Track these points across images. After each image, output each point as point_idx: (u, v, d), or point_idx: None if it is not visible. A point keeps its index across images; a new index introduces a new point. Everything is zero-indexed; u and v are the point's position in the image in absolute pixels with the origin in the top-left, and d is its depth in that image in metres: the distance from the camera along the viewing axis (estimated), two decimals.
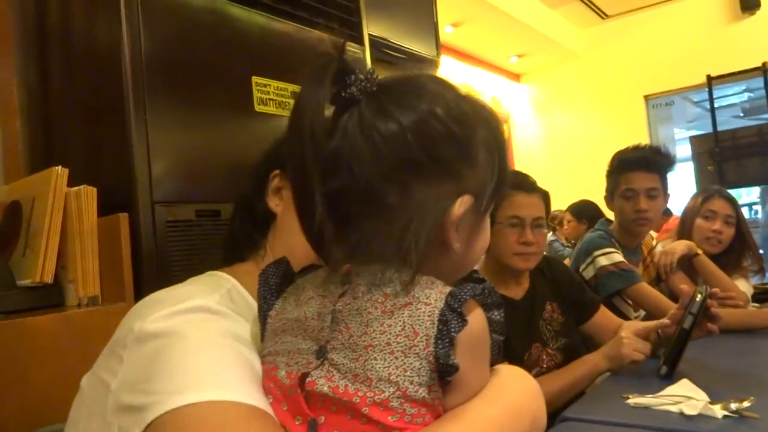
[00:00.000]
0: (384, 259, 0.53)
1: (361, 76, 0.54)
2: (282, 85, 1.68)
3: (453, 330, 0.50)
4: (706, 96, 5.65)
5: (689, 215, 2.15)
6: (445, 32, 4.84)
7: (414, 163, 0.53)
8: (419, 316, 0.50)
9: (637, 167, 1.90)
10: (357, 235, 0.54)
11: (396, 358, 0.50)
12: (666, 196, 1.95)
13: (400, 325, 0.50)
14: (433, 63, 3.30)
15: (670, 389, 1.16)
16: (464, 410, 0.53)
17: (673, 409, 1.07)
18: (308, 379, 0.52)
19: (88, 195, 1.27)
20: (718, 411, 1.03)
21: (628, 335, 1.38)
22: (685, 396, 1.10)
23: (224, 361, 0.56)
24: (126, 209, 1.29)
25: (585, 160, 5.71)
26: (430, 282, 0.53)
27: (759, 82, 5.45)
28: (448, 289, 0.52)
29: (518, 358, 1.43)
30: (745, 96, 7.79)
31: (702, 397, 1.09)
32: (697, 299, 1.28)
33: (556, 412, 1.15)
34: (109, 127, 1.41)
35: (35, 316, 1.13)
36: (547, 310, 1.56)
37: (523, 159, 6.39)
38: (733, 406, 1.03)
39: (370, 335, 0.51)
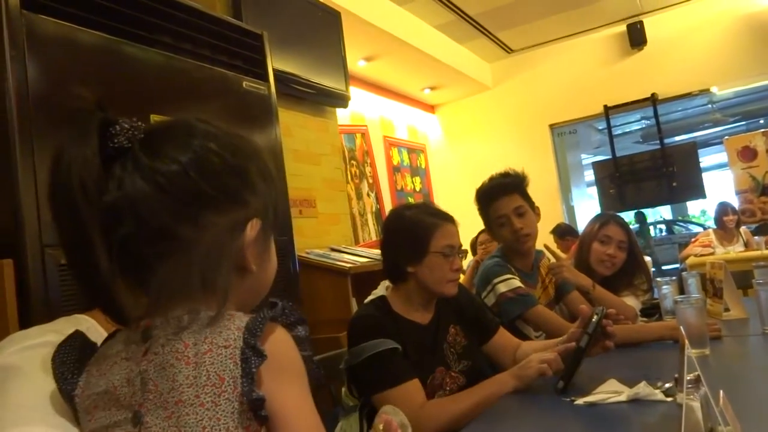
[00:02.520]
0: (190, 298, 0.54)
1: (126, 125, 0.55)
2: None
3: (253, 365, 0.51)
4: (606, 124, 6.05)
5: (587, 239, 2.31)
6: (359, 65, 4.95)
7: (201, 197, 0.55)
8: (222, 361, 0.51)
9: (498, 194, 2.04)
10: (156, 282, 0.53)
11: (207, 409, 0.50)
12: (535, 209, 2.08)
13: (205, 375, 0.51)
14: (343, 96, 3.38)
15: (602, 387, 1.26)
16: None
17: (622, 398, 1.19)
18: None
19: None
20: (658, 393, 1.17)
21: (536, 356, 1.44)
22: (617, 391, 1.22)
23: (46, 392, 0.57)
24: (11, 255, 1.24)
25: None
26: (229, 318, 0.54)
27: (651, 110, 5.90)
28: (245, 322, 0.53)
29: (422, 382, 1.46)
30: (643, 123, 8.41)
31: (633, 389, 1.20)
32: (593, 320, 1.37)
33: None
34: None
35: None
36: (451, 333, 1.62)
37: (438, 186, 6.57)
38: (667, 385, 1.18)
39: (178, 390, 0.51)
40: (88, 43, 1.50)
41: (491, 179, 2.11)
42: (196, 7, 1.86)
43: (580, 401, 1.23)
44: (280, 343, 0.54)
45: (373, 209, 5.26)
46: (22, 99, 1.32)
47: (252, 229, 0.58)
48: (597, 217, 2.40)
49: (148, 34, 1.64)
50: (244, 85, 1.99)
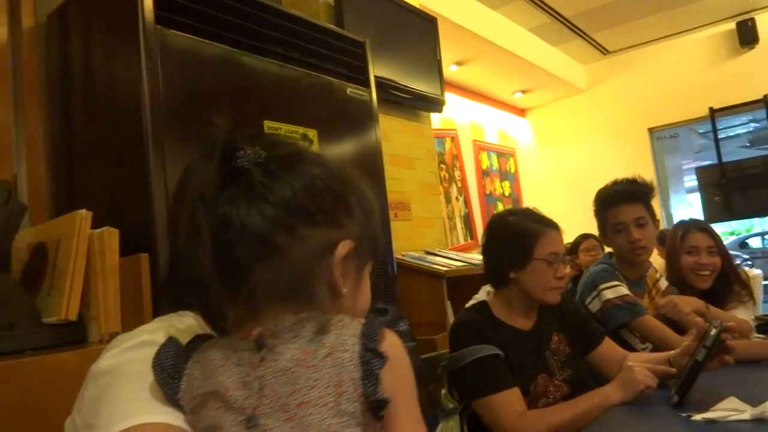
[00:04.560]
0: (286, 306, 0.58)
1: (249, 152, 0.60)
2: (293, 127, 1.76)
3: (375, 368, 0.55)
4: (710, 127, 5.71)
5: (673, 255, 2.17)
6: (450, 70, 4.95)
7: (300, 210, 0.59)
8: (342, 364, 0.55)
9: (620, 200, 1.97)
10: (251, 286, 0.57)
11: (330, 409, 0.53)
12: (655, 222, 2.00)
13: (327, 378, 0.54)
14: (438, 101, 3.40)
15: (721, 405, 1.20)
16: None
17: (745, 416, 1.12)
18: None
19: (110, 236, 1.33)
20: None
21: (637, 365, 1.41)
22: (739, 409, 1.15)
23: (152, 388, 0.61)
24: (147, 249, 1.35)
25: (591, 193, 5.75)
26: (341, 325, 0.58)
27: (762, 113, 5.51)
28: (359, 328, 0.57)
29: (524, 389, 1.45)
30: (751, 126, 7.85)
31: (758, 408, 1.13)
32: (712, 333, 1.31)
33: None
34: (130, 171, 1.48)
35: (59, 352, 1.18)
36: (554, 341, 1.59)
37: (528, 192, 6.45)
38: None
39: (300, 393, 0.54)
40: (211, 54, 1.61)
41: (616, 183, 2.05)
42: (305, 17, 1.95)
43: (697, 417, 1.18)
44: (395, 347, 0.57)
45: (462, 213, 5.24)
46: (155, 107, 1.43)
47: (344, 247, 0.61)
48: (674, 230, 2.25)
49: (262, 44, 1.74)
50: (348, 92, 2.06)
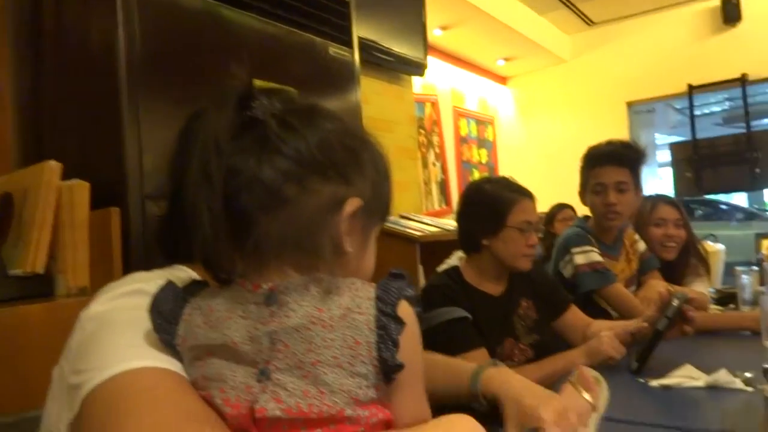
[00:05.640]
0: (294, 260, 0.58)
1: (265, 102, 0.59)
2: (273, 85, 1.73)
3: (394, 333, 0.55)
4: (687, 103, 5.78)
5: (641, 227, 2.21)
6: (434, 34, 4.89)
7: (312, 163, 0.58)
8: (357, 326, 0.55)
9: (607, 161, 1.94)
10: (257, 236, 0.57)
11: (344, 369, 0.54)
12: (638, 190, 1.99)
13: (341, 338, 0.54)
14: (420, 65, 3.37)
15: (678, 372, 1.26)
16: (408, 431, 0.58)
17: (699, 383, 1.18)
18: (257, 407, 0.54)
19: (80, 189, 1.31)
20: (738, 382, 1.15)
21: (608, 334, 1.45)
22: (694, 377, 1.22)
23: (145, 334, 0.60)
24: (118, 204, 1.33)
25: (567, 164, 5.78)
26: (354, 287, 0.57)
27: (738, 92, 5.58)
28: (372, 292, 0.57)
29: (491, 351, 1.49)
30: (726, 105, 7.96)
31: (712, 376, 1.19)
32: (674, 304, 1.36)
33: None
34: (102, 124, 1.44)
35: (25, 304, 1.16)
36: (522, 307, 1.63)
37: (507, 160, 6.48)
38: (748, 374, 1.16)
39: (316, 351, 0.54)
40: (191, 6, 1.56)
41: (610, 143, 2.01)
42: None
43: (654, 383, 1.23)
44: (409, 315, 0.58)
45: (438, 179, 5.26)
46: (130, 58, 1.39)
47: (351, 206, 0.60)
48: (644, 203, 2.29)
49: None
50: (330, 51, 2.03)
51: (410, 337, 0.57)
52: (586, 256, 1.91)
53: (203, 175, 0.56)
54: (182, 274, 0.72)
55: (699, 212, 7.09)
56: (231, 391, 0.55)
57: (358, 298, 0.56)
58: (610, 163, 1.94)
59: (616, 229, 2.05)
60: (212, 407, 0.56)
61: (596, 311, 1.83)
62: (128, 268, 1.33)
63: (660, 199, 2.26)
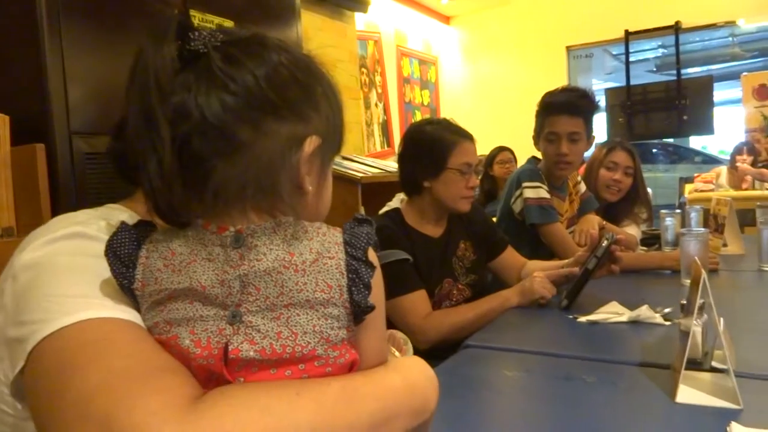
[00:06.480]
0: (255, 203, 0.56)
1: (204, 33, 0.56)
2: (208, 17, 1.65)
3: (366, 277, 0.56)
4: (623, 50, 5.89)
5: (594, 165, 2.34)
6: None
7: (265, 103, 0.56)
8: (328, 270, 0.55)
9: (562, 111, 1.98)
10: (215, 181, 0.54)
11: (316, 311, 0.54)
12: (590, 139, 2.06)
13: (314, 282, 0.54)
14: (363, 3, 3.27)
15: (604, 308, 1.34)
16: (372, 372, 0.60)
17: (623, 318, 1.27)
18: (230, 347, 0.53)
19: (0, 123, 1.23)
20: (658, 317, 1.25)
21: (540, 275, 1.51)
22: (618, 312, 1.30)
23: (93, 282, 0.57)
24: (42, 140, 1.26)
25: (508, 107, 5.88)
26: (321, 232, 0.57)
27: (672, 39, 5.73)
28: (339, 237, 0.57)
29: (430, 292, 1.54)
30: (659, 52, 8.17)
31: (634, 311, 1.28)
32: (603, 244, 1.42)
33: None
34: (22, 54, 1.34)
35: None
36: (461, 248, 1.67)
37: (448, 102, 6.49)
38: (666, 310, 1.27)
39: (288, 295, 0.54)
40: None
41: (564, 90, 2.04)
42: None
43: (582, 319, 1.31)
44: (376, 259, 0.58)
45: (380, 120, 5.22)
46: None
47: (310, 144, 0.58)
48: (604, 143, 2.41)
49: None
50: None
51: (378, 282, 0.58)
52: (536, 191, 1.98)
53: (146, 120, 0.52)
54: (122, 214, 0.68)
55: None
56: (202, 333, 0.54)
57: (327, 243, 0.56)
58: (565, 112, 1.98)
59: (564, 177, 2.13)
60: (175, 350, 0.55)
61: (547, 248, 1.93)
62: (57, 207, 1.28)
63: (618, 143, 2.36)
